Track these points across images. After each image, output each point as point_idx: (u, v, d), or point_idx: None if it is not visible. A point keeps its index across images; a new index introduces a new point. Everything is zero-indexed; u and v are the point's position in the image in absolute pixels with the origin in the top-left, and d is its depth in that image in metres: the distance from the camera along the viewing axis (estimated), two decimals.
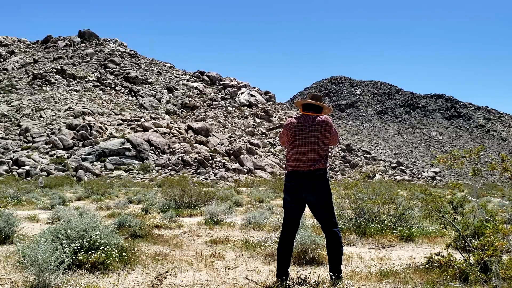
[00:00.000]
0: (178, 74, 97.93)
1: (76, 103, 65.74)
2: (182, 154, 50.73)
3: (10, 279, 4.62)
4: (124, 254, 5.25)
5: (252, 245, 6.91)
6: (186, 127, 61.29)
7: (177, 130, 58.28)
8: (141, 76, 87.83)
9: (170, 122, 65.83)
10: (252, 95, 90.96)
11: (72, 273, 4.68)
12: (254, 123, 78.57)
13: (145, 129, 56.24)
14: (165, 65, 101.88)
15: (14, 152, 48.34)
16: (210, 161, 50.25)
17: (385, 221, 8.33)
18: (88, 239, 5.03)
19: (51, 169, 43.85)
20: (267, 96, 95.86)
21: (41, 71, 78.15)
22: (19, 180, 34.21)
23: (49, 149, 49.60)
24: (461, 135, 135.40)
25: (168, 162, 49.24)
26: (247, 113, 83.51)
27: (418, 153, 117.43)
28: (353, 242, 7.46)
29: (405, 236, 7.65)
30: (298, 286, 4.32)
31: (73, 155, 47.52)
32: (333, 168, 61.05)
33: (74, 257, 4.79)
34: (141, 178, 43.63)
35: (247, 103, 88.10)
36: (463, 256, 4.72)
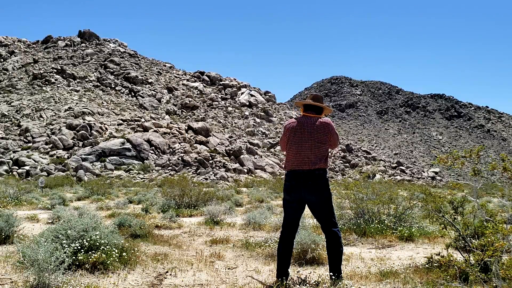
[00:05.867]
0: (178, 74, 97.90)
1: (76, 103, 65.71)
2: (182, 154, 50.72)
3: (10, 279, 4.62)
4: (124, 254, 5.25)
5: (252, 245, 6.90)
6: (186, 127, 61.28)
7: (177, 130, 58.26)
8: (141, 76, 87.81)
9: (170, 122, 65.83)
10: (252, 95, 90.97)
11: (72, 273, 4.67)
12: (254, 123, 78.56)
13: (145, 129, 56.24)
14: (165, 65, 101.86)
15: (14, 152, 48.34)
16: (210, 161, 50.24)
17: (385, 221, 8.33)
18: (88, 239, 5.02)
19: (51, 169, 43.85)
20: (267, 96, 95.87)
21: (41, 71, 78.14)
22: (19, 180, 34.20)
23: (49, 149, 49.60)
24: (461, 135, 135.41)
25: (168, 162, 49.24)
26: (247, 113, 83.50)
27: (418, 153, 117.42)
28: (353, 242, 7.46)
29: (405, 236, 7.65)
30: (298, 286, 4.32)
31: (73, 155, 47.52)
32: (333, 168, 61.04)
33: (74, 257, 4.79)
34: (141, 178, 43.63)
35: (247, 103, 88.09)
36: (463, 256, 4.72)
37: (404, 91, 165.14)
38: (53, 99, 67.19)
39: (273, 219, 9.64)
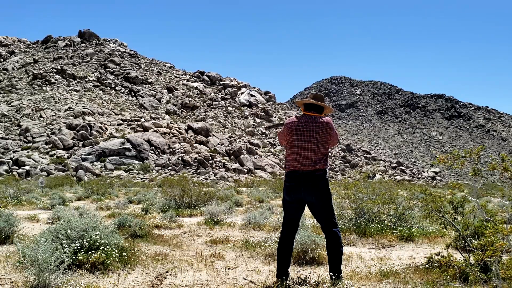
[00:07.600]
0: (178, 74, 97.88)
1: (76, 103, 65.69)
2: (182, 154, 50.71)
3: (10, 279, 4.62)
4: (124, 254, 5.25)
5: (252, 245, 6.90)
6: (186, 127, 61.27)
7: (177, 130, 58.26)
8: (141, 76, 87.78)
9: (170, 122, 65.81)
10: (252, 95, 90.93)
11: (72, 273, 4.67)
12: (254, 123, 78.55)
13: (145, 129, 56.23)
14: (165, 65, 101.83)
15: (14, 152, 48.32)
16: (210, 161, 50.23)
17: (385, 221, 8.33)
18: (88, 239, 5.02)
19: (51, 169, 43.84)
20: (267, 96, 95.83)
21: (41, 71, 78.10)
22: (19, 180, 34.17)
23: (49, 149, 49.59)
24: (461, 135, 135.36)
25: (168, 162, 49.23)
26: (247, 113, 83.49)
27: (418, 153, 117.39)
28: (353, 242, 7.46)
29: (405, 236, 7.65)
30: (298, 286, 4.32)
31: (73, 155, 47.51)
32: (333, 168, 61.03)
33: (74, 257, 4.78)
34: (141, 178, 43.62)
35: (247, 103, 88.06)
36: (463, 256, 4.72)
37: (404, 91, 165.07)
38: (53, 99, 67.16)
39: (273, 219, 9.64)
